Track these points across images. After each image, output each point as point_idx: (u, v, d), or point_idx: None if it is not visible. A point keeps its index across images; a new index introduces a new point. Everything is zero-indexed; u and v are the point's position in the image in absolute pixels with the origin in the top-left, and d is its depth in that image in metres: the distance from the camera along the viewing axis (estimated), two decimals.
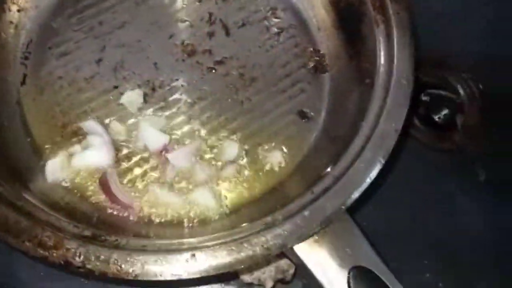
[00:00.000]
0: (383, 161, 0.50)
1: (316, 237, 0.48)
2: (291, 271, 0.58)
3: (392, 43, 0.58)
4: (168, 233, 0.57)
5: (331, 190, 0.48)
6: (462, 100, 0.80)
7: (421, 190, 0.73)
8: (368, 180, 0.49)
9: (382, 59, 0.57)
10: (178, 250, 0.44)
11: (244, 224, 0.50)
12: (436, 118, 0.78)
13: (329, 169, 0.53)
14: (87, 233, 0.45)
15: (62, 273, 0.56)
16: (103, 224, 0.55)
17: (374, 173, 0.49)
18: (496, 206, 0.70)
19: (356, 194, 0.48)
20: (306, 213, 0.47)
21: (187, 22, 0.71)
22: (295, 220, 0.47)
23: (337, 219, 0.48)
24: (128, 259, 0.43)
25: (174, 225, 0.58)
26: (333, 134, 0.62)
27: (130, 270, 0.42)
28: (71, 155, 0.59)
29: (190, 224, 0.58)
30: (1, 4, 0.64)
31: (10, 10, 0.65)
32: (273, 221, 0.47)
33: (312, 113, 0.67)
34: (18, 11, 0.66)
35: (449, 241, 0.69)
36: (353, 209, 0.52)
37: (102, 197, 0.58)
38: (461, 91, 0.80)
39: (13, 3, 0.66)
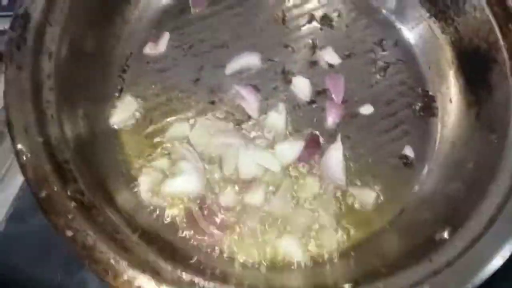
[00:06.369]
0: None
1: None
2: None
3: None
4: (249, 276, 0.53)
5: (456, 265, 0.42)
6: None
7: None
8: (501, 260, 0.42)
9: None
10: None
11: (346, 286, 0.45)
12: None
13: (446, 235, 0.47)
14: (185, 277, 0.42)
15: None
16: (186, 257, 0.51)
17: (508, 251, 0.43)
18: None
19: (486, 274, 0.42)
20: (426, 287, 0.42)
21: (289, 48, 0.67)
22: None
23: None
24: None
25: (255, 268, 0.54)
26: (445, 190, 0.56)
27: None
28: (161, 179, 0.57)
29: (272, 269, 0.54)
30: (108, 14, 0.62)
31: (115, 22, 0.63)
32: None
33: (416, 160, 0.61)
34: (123, 23, 0.64)
35: None
36: None
37: (187, 228, 0.55)
38: None
39: (118, 14, 0.64)
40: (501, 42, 0.53)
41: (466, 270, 0.42)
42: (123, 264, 0.40)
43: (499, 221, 0.44)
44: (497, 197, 0.46)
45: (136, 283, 0.40)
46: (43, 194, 0.40)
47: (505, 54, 0.53)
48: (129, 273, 0.40)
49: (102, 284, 0.59)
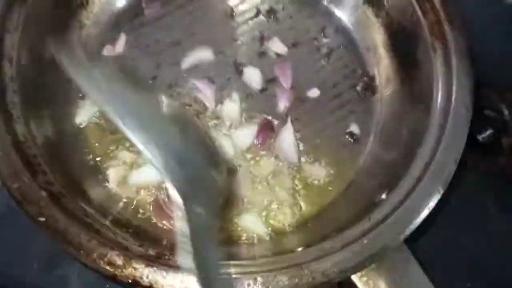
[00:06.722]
0: (442, 191, 0.50)
1: (374, 266, 0.48)
2: None
3: (451, 70, 0.58)
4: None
5: (390, 219, 0.49)
6: (506, 120, 0.78)
7: (462, 213, 0.72)
8: (427, 211, 0.49)
9: (439, 85, 0.57)
10: (242, 273, 0.45)
11: (299, 249, 0.50)
12: (479, 138, 0.77)
13: (384, 196, 0.53)
14: (152, 252, 0.46)
15: None
16: (157, 240, 0.56)
17: (433, 204, 0.49)
18: None
19: (415, 224, 0.48)
20: (365, 241, 0.48)
21: (239, 41, 0.72)
22: (354, 248, 0.47)
23: (395, 248, 0.48)
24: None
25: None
26: (385, 159, 0.62)
27: None
28: (127, 171, 0.61)
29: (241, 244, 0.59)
30: (65, 20, 0.66)
31: (72, 27, 0.67)
32: (331, 247, 0.48)
33: (361, 135, 0.67)
34: (80, 27, 0.68)
35: (493, 263, 0.68)
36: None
37: (155, 214, 0.60)
38: (505, 111, 0.79)
39: (74, 19, 0.68)
40: (422, 21, 0.60)
41: (398, 223, 0.49)
42: (94, 243, 0.44)
43: (425, 179, 0.51)
44: (423, 159, 0.53)
45: (107, 259, 0.44)
46: (15, 185, 0.44)
47: (426, 31, 0.60)
48: (100, 251, 0.44)
49: (82, 282, 0.63)
